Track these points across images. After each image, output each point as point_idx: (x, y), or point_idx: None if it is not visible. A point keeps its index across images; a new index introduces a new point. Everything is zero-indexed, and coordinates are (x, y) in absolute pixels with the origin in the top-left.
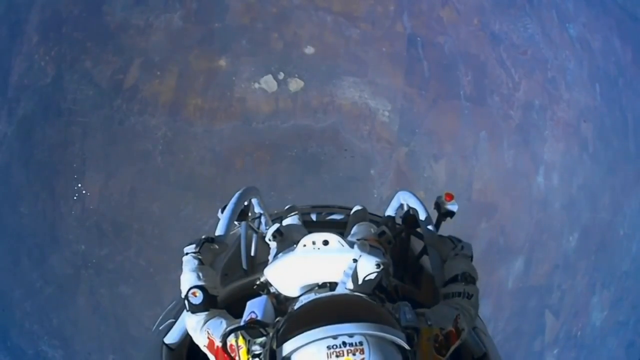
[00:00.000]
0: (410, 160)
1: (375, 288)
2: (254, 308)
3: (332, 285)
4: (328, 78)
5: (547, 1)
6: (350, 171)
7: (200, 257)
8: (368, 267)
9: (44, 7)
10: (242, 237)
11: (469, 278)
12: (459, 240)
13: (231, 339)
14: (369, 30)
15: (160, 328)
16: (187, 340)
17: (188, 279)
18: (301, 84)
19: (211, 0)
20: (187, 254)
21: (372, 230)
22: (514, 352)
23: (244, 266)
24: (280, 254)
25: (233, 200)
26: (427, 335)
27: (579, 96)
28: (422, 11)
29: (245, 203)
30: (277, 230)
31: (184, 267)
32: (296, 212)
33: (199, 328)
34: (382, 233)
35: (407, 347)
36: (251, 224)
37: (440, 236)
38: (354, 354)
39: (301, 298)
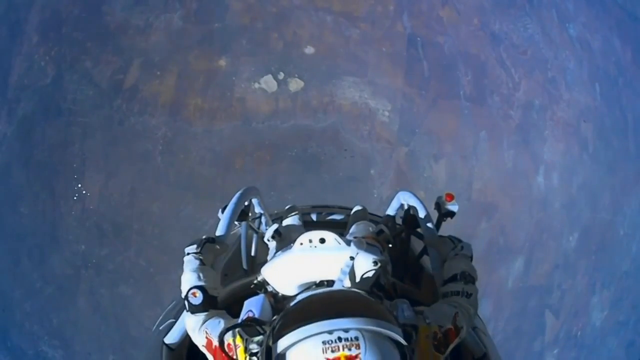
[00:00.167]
0: (410, 160)
1: (373, 286)
2: (251, 307)
3: (330, 284)
4: (328, 78)
5: (547, 1)
6: (350, 171)
7: (201, 257)
8: (365, 264)
9: (44, 7)
10: (243, 237)
11: (468, 277)
12: (459, 240)
13: (229, 338)
14: (369, 30)
15: (161, 328)
16: (187, 340)
17: (188, 279)
18: (301, 84)
19: (211, 0)
20: (188, 254)
21: (370, 229)
22: (514, 352)
23: (245, 266)
24: (278, 253)
25: (233, 200)
26: (426, 333)
27: (578, 96)
28: (422, 11)
29: (246, 203)
30: (276, 231)
31: (184, 267)
32: (296, 212)
33: (197, 328)
34: (380, 232)
35: (404, 342)
36: (251, 224)
37: (440, 236)
38: (349, 349)
39: (298, 296)
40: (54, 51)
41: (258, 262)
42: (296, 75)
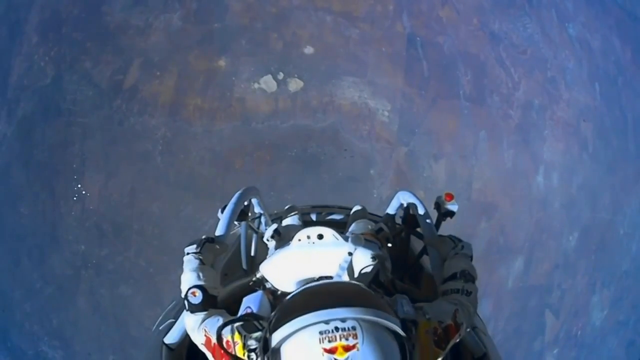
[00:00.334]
0: (409, 160)
1: (372, 282)
2: (250, 303)
3: (328, 280)
4: (328, 78)
5: (547, 1)
6: (350, 171)
7: (201, 257)
8: (363, 260)
9: (44, 7)
10: (242, 237)
11: (468, 276)
12: (459, 240)
13: (227, 335)
14: (369, 30)
15: (160, 328)
16: (187, 340)
17: (188, 278)
18: (301, 84)
19: (211, 0)
20: (187, 254)
21: (369, 227)
22: (514, 352)
23: (244, 266)
24: (276, 250)
25: (233, 200)
26: (426, 328)
27: (578, 96)
28: (422, 11)
29: (245, 203)
30: (276, 231)
31: (184, 266)
32: (296, 212)
33: (196, 327)
34: (380, 230)
35: (402, 333)
36: (251, 224)
37: (440, 236)
38: (346, 339)
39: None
40: (54, 51)
41: (258, 262)
42: (296, 75)
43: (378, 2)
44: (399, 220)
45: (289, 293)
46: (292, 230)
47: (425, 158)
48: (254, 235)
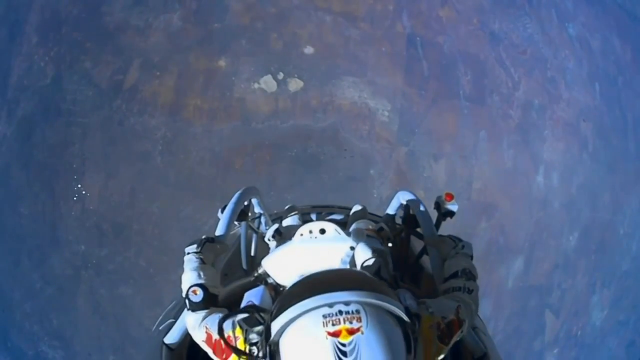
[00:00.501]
0: (409, 160)
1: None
2: (251, 297)
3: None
4: (328, 78)
5: (547, 1)
6: (350, 171)
7: (201, 256)
8: (365, 254)
9: (44, 7)
10: (242, 237)
11: (470, 274)
12: (459, 240)
13: (228, 331)
14: (369, 30)
15: (160, 328)
16: (187, 340)
17: (189, 277)
18: (301, 84)
19: (211, 0)
20: (188, 253)
21: (370, 226)
22: (514, 352)
23: (244, 266)
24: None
25: (233, 200)
26: (429, 323)
27: (578, 95)
28: (422, 11)
29: (245, 203)
30: (277, 230)
31: (185, 266)
32: (296, 212)
33: (197, 325)
34: (381, 229)
35: (406, 319)
36: (251, 224)
37: (440, 236)
38: (350, 322)
39: None
40: (54, 51)
41: (258, 262)
42: (296, 75)
43: (378, 2)
44: (399, 221)
45: None
46: (293, 230)
47: (425, 158)
48: (254, 235)
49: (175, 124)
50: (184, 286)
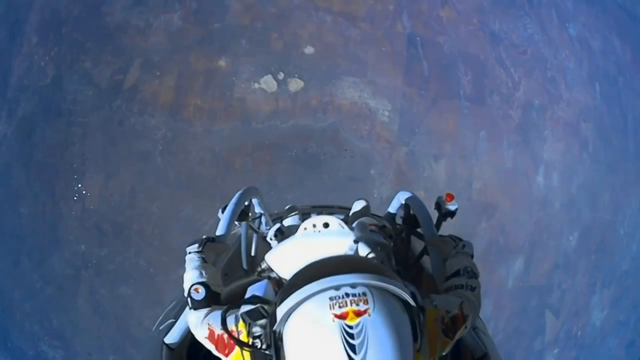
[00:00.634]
0: (410, 160)
1: None
2: (255, 291)
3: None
4: (328, 78)
5: (547, 1)
6: (350, 171)
7: (203, 255)
8: (369, 248)
9: (44, 7)
10: (243, 237)
11: (471, 272)
12: (460, 239)
13: (231, 325)
14: (369, 30)
15: (161, 328)
16: (187, 340)
17: (191, 276)
18: (301, 84)
19: (211, 0)
20: (189, 253)
21: (374, 221)
22: (514, 352)
23: (245, 266)
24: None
25: (233, 200)
26: (433, 317)
27: (578, 95)
28: (422, 11)
29: (246, 203)
30: (279, 230)
31: (186, 265)
32: (296, 212)
33: (199, 322)
34: (383, 226)
35: (412, 303)
36: (251, 224)
37: (441, 236)
38: (357, 304)
39: None
40: (54, 51)
41: (258, 262)
42: (296, 75)
43: (378, 2)
44: (399, 221)
45: None
46: (294, 230)
47: (425, 158)
48: (255, 235)
49: (176, 124)
50: (186, 285)
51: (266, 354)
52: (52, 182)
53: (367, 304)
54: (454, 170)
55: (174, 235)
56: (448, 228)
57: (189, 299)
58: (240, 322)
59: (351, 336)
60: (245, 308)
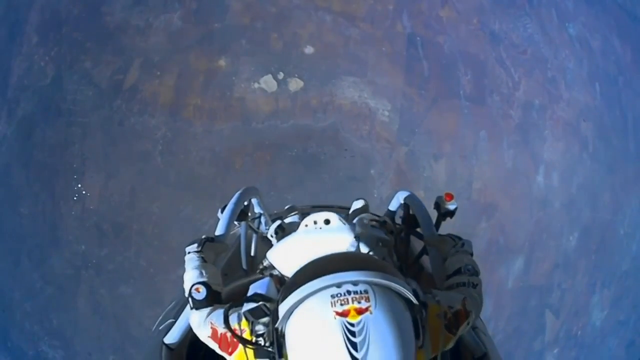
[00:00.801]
0: (410, 159)
1: None
2: (257, 289)
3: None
4: (328, 78)
5: (547, 0)
6: (350, 171)
7: (202, 255)
8: (370, 244)
9: (44, 7)
10: (242, 237)
11: (472, 270)
12: (459, 238)
13: (234, 324)
14: (369, 30)
15: (160, 328)
16: (187, 340)
17: (191, 276)
18: (301, 83)
19: (211, 0)
20: (189, 253)
21: (376, 217)
22: (514, 352)
23: (244, 266)
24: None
25: (233, 200)
26: (436, 312)
27: (578, 95)
28: (422, 11)
29: (245, 203)
30: (279, 227)
31: (186, 265)
32: (296, 212)
33: (202, 322)
34: (384, 222)
35: (414, 300)
36: (251, 224)
37: (440, 235)
38: (359, 302)
39: None
40: (54, 51)
41: (258, 262)
42: (296, 75)
43: (378, 2)
44: (398, 220)
45: None
46: (295, 227)
47: (425, 158)
48: (254, 235)
49: (176, 124)
50: (187, 285)
51: (270, 352)
52: (52, 182)
53: (369, 301)
54: (454, 170)
55: (174, 235)
56: (448, 228)
57: (190, 299)
58: (243, 320)
59: (353, 334)
60: (247, 306)
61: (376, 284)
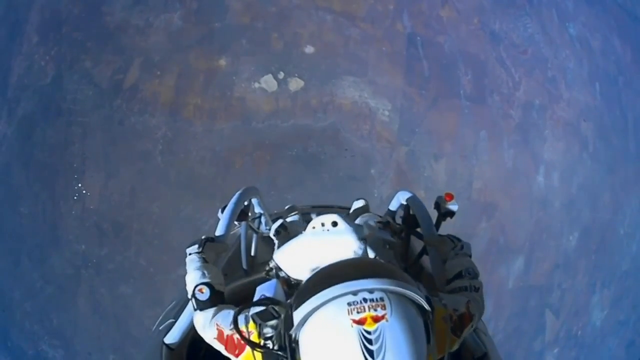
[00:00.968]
0: (410, 159)
1: None
2: (264, 291)
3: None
4: (328, 77)
5: (547, 0)
6: (350, 171)
7: (203, 255)
8: (377, 246)
9: (44, 7)
10: (242, 237)
11: (473, 273)
12: (459, 240)
13: (241, 326)
14: (369, 29)
15: (160, 328)
16: (187, 340)
17: (193, 277)
18: (301, 83)
19: (211, 0)
20: (190, 254)
21: (379, 218)
22: (514, 352)
23: (244, 266)
24: (291, 239)
25: (233, 200)
26: (442, 315)
27: (578, 95)
28: (422, 10)
29: (245, 203)
30: (282, 226)
31: (188, 267)
32: (296, 212)
33: (207, 323)
34: (387, 222)
35: (427, 307)
36: (251, 224)
37: (440, 235)
38: (375, 310)
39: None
40: (54, 51)
41: (258, 262)
42: (296, 75)
43: (378, 2)
44: (399, 220)
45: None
46: (297, 226)
47: (425, 158)
48: (254, 235)
49: (176, 124)
50: (189, 287)
51: (279, 355)
52: (52, 181)
53: (385, 309)
54: (454, 170)
55: (174, 235)
56: (448, 228)
57: (193, 300)
58: (251, 323)
59: (369, 341)
60: (255, 309)
61: (392, 292)
